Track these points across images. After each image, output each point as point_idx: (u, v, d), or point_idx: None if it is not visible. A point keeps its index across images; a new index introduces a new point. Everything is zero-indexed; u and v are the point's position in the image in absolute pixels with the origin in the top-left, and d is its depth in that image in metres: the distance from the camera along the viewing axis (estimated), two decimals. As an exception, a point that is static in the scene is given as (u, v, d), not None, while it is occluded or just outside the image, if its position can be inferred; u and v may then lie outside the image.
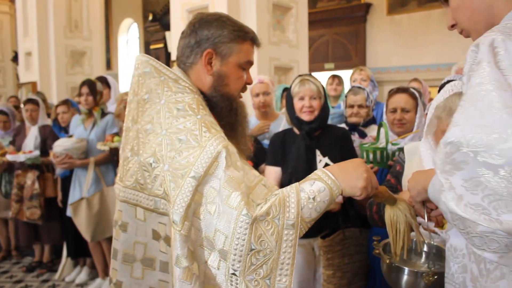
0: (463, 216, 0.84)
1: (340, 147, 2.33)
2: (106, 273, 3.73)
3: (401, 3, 8.46)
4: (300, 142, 2.33)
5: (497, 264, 0.94)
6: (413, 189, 1.19)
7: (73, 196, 3.58)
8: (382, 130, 2.39)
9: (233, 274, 1.00)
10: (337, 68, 8.98)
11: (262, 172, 2.49)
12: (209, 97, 1.25)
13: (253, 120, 3.09)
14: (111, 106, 4.03)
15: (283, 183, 2.32)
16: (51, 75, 6.76)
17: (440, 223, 1.56)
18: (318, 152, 2.31)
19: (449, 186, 0.86)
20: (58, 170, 3.79)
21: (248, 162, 1.41)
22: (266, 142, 2.89)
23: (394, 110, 2.36)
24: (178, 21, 4.57)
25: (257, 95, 3.03)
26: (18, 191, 4.06)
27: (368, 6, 8.88)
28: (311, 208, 1.05)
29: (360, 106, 2.89)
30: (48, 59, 6.74)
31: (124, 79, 12.21)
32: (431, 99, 4.01)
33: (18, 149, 4.17)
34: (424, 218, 1.25)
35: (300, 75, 2.41)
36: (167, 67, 1.24)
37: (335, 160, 2.25)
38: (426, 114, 2.57)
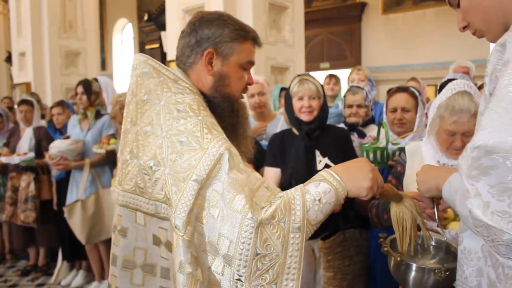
0: (489, 224, 0.81)
1: (340, 147, 2.31)
2: (102, 276, 3.69)
3: (396, 2, 8.48)
4: (299, 142, 2.30)
5: None
6: (423, 184, 1.17)
7: (71, 198, 3.55)
8: (382, 129, 2.37)
9: (238, 279, 0.98)
10: (332, 67, 9.00)
11: (262, 175, 2.46)
12: (209, 97, 1.22)
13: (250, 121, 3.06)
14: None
15: (282, 184, 2.29)
16: (45, 75, 6.72)
17: (442, 219, 1.55)
18: (317, 153, 2.29)
19: (476, 193, 0.83)
20: (54, 172, 3.75)
21: (249, 165, 1.38)
22: (263, 143, 2.86)
23: (394, 110, 2.35)
24: (174, 21, 4.55)
25: (252, 95, 2.99)
26: (13, 194, 4.02)
27: (363, 5, 8.90)
28: (317, 210, 1.03)
29: (359, 106, 2.87)
30: (42, 59, 6.70)
31: (119, 79, 12.15)
32: (428, 99, 4.01)
33: (13, 151, 4.13)
34: (434, 214, 1.24)
35: (299, 75, 2.38)
36: (166, 67, 1.21)
37: (335, 160, 2.23)
38: (426, 113, 2.56)
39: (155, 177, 1.07)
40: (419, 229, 1.35)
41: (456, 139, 1.64)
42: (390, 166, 2.24)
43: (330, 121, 2.94)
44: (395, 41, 8.50)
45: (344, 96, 2.99)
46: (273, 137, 2.48)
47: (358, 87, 3.00)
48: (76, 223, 3.43)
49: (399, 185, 1.87)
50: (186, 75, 1.22)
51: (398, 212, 1.29)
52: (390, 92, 2.43)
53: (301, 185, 1.07)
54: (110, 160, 3.50)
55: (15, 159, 3.89)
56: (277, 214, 0.99)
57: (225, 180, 1.01)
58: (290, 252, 0.99)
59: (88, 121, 3.61)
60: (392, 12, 8.53)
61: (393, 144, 2.27)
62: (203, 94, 1.22)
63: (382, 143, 2.37)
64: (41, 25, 6.69)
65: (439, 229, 1.59)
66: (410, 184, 1.77)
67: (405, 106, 2.33)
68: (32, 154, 3.95)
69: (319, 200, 1.03)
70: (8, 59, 11.06)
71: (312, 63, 9.02)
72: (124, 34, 12.81)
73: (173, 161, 1.04)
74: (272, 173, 2.36)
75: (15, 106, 4.69)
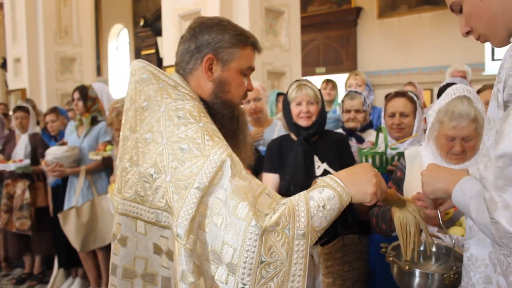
0: None
1: (338, 152, 2.30)
2: (99, 284, 3.65)
3: (391, 7, 8.52)
4: (297, 148, 2.29)
5: None
6: (428, 185, 1.15)
7: (68, 205, 3.52)
8: (380, 134, 2.37)
9: None
10: (328, 72, 9.01)
11: (261, 180, 2.45)
12: (209, 104, 1.21)
13: (247, 127, 3.05)
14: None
15: (281, 190, 2.28)
16: (41, 81, 6.69)
17: (442, 219, 1.54)
18: (316, 158, 2.28)
19: (505, 205, 0.81)
20: (51, 179, 3.73)
21: (248, 171, 1.37)
22: (261, 148, 2.84)
23: (393, 115, 2.35)
24: (170, 26, 4.54)
25: (248, 101, 2.98)
26: (8, 201, 3.98)
27: (358, 10, 8.93)
28: (321, 216, 1.02)
29: (357, 111, 2.87)
30: (37, 65, 6.67)
31: (114, 85, 12.13)
32: (424, 103, 4.02)
33: (8, 157, 4.09)
34: (434, 213, 1.24)
35: (297, 80, 2.37)
36: (165, 73, 1.20)
37: (333, 166, 2.22)
38: (425, 118, 2.56)
39: (156, 185, 1.05)
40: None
41: (455, 144, 1.64)
42: (389, 171, 2.23)
43: (328, 126, 2.94)
44: (391, 45, 8.53)
45: (342, 101, 2.99)
46: (271, 142, 2.47)
47: (356, 92, 2.99)
48: (71, 230, 3.40)
49: (399, 191, 1.86)
50: (185, 81, 1.21)
51: (402, 218, 1.28)
52: (389, 97, 2.43)
53: (305, 191, 1.06)
54: (106, 167, 3.48)
55: (10, 166, 3.86)
56: (282, 221, 0.98)
57: (227, 188, 0.99)
58: (295, 259, 0.98)
59: (84, 128, 3.59)
60: (388, 16, 8.56)
61: (392, 149, 2.27)
62: (202, 100, 1.21)
63: (380, 148, 2.36)
64: (36, 31, 6.66)
65: (440, 235, 1.59)
66: (410, 189, 1.77)
67: (404, 111, 2.33)
68: (27, 161, 3.92)
69: (323, 206, 1.02)
70: (3, 65, 11.01)
71: (308, 68, 9.03)
72: (119, 39, 12.79)
73: (174, 168, 1.03)
74: (271, 179, 2.34)
75: (10, 113, 4.65)
